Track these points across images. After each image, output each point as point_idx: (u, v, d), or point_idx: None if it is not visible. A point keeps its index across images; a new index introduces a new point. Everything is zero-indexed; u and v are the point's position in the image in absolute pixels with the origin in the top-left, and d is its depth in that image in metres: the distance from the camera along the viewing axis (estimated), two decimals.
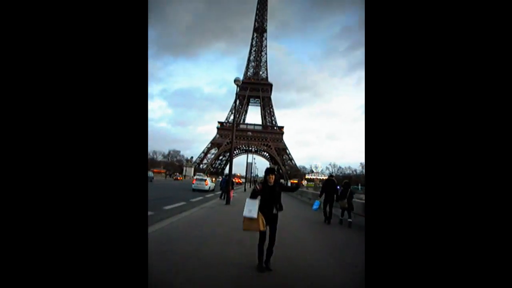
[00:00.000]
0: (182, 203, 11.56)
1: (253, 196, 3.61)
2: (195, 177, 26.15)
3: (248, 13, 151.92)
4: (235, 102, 12.49)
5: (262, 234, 3.54)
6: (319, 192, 9.89)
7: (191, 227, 6.07)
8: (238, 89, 12.02)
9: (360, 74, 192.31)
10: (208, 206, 10.99)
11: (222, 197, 14.13)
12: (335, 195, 8.20)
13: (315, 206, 8.76)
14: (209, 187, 21.51)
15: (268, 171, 3.67)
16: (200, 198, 15.13)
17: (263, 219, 3.50)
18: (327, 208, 8.18)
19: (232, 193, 14.04)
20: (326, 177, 10.96)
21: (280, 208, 3.63)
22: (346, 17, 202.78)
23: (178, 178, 59.30)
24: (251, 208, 3.54)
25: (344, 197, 8.08)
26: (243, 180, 49.12)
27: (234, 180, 19.35)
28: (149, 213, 6.76)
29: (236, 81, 11.79)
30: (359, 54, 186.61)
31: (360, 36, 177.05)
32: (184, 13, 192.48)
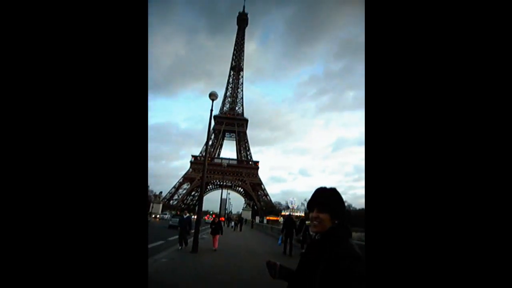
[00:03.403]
0: None
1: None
2: None
3: (226, 58, 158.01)
4: (210, 121, 10.30)
5: None
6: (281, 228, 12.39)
7: None
8: (212, 104, 9.97)
9: (328, 116, 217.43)
10: (163, 257, 8.04)
11: (182, 245, 10.08)
12: (294, 230, 10.15)
13: (279, 241, 10.70)
14: None
15: (312, 202, 1.34)
16: (161, 242, 12.01)
17: None
18: (288, 241, 10.09)
19: (216, 240, 10.34)
20: (302, 214, 14.22)
21: None
22: (313, 67, 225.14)
23: None
24: None
25: (299, 231, 9.82)
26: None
27: (220, 219, 13.79)
28: None
29: (211, 95, 9.78)
30: (326, 99, 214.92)
31: (325, 84, 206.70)
32: (166, 56, 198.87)
